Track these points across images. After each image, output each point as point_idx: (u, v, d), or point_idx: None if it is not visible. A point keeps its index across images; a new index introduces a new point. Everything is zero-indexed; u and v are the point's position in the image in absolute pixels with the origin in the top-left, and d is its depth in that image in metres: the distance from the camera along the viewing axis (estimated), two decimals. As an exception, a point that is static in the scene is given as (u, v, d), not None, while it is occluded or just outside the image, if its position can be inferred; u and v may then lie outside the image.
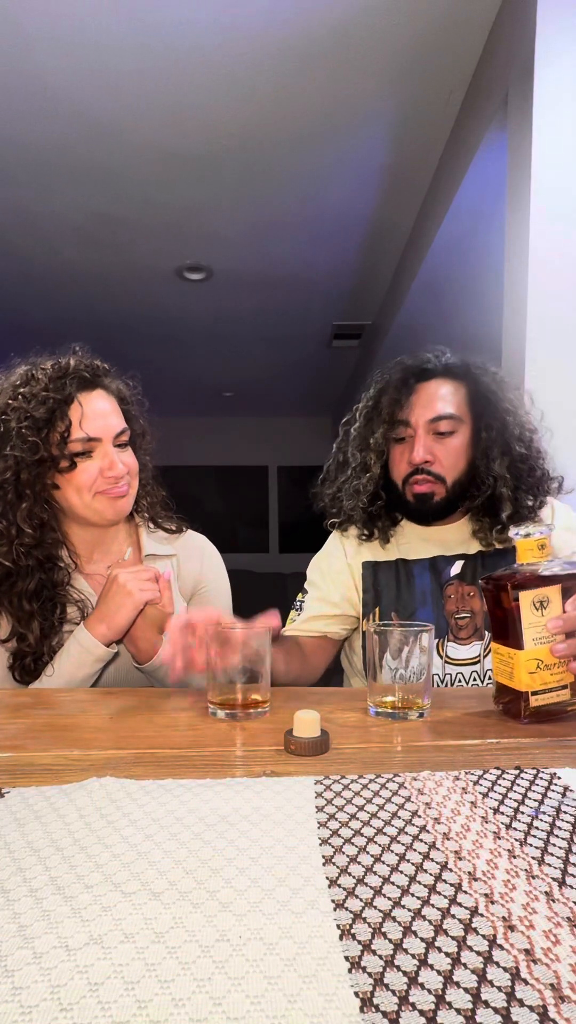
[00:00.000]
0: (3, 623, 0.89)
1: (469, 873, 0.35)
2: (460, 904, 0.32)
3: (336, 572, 1.08)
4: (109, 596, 0.86)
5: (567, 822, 0.41)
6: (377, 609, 1.04)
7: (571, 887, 0.34)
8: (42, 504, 0.89)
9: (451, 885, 0.34)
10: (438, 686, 0.99)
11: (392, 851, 0.38)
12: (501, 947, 0.29)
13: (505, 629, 0.66)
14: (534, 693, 0.63)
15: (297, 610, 1.10)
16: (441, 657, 1.00)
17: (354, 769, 0.51)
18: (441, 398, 1.01)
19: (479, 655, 0.99)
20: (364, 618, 1.06)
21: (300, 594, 1.12)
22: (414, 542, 1.07)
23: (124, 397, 0.98)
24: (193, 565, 1.05)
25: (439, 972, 0.27)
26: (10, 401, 0.87)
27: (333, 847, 0.38)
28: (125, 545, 1.02)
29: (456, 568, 1.03)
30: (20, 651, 0.88)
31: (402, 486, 1.02)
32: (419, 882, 0.34)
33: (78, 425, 0.87)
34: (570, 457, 1.23)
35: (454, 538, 1.05)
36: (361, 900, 0.33)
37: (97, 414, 0.89)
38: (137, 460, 0.98)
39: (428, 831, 0.40)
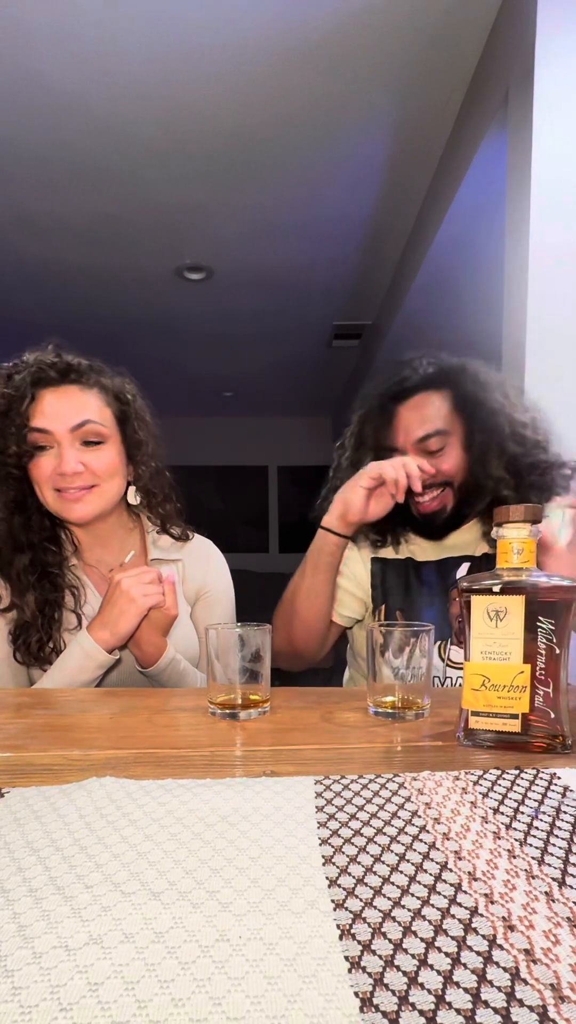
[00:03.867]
0: (2, 592, 0.92)
1: (469, 873, 0.35)
2: (460, 904, 0.32)
3: (349, 559, 1.07)
4: (112, 602, 0.86)
5: (567, 822, 0.41)
6: (384, 607, 1.03)
7: (571, 887, 0.34)
8: (21, 491, 0.92)
9: (451, 885, 0.34)
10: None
11: (392, 851, 0.38)
12: (501, 947, 0.29)
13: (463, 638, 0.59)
14: (474, 713, 0.57)
15: None
16: (443, 660, 1.00)
17: (354, 769, 0.51)
18: (425, 417, 0.99)
19: None
20: (373, 614, 1.05)
21: None
22: (423, 543, 1.06)
23: (119, 396, 0.97)
24: (198, 570, 1.05)
25: (439, 972, 0.27)
26: None
27: (333, 847, 0.38)
28: (127, 544, 1.02)
29: (462, 571, 1.02)
30: (19, 624, 0.90)
31: (406, 500, 1.00)
32: (419, 882, 0.34)
33: (32, 417, 0.89)
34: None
35: (464, 540, 1.05)
36: (361, 900, 0.33)
37: (54, 407, 0.90)
38: (134, 468, 0.98)
39: (428, 831, 0.40)
